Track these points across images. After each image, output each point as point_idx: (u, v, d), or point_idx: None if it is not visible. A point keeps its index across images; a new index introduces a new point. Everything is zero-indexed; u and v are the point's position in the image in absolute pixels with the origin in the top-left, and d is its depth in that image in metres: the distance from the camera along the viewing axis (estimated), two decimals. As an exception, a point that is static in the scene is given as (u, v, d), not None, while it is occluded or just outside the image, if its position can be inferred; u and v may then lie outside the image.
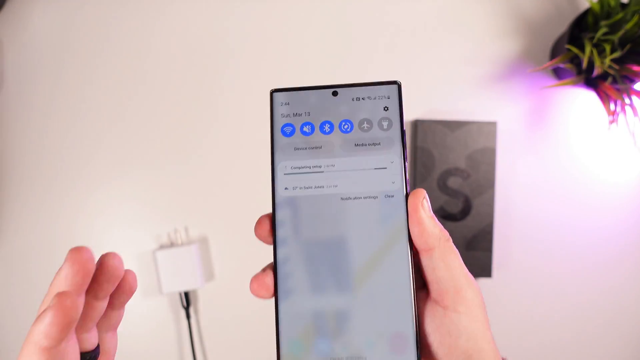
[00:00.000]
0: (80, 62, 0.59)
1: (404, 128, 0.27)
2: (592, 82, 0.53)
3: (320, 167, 0.27)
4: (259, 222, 0.27)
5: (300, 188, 0.27)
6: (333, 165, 0.27)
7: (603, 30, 0.48)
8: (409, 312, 0.25)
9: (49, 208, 0.58)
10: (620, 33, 0.48)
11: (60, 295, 0.20)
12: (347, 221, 0.26)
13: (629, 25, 0.48)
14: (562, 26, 0.58)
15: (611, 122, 0.51)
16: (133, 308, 0.59)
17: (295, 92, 0.28)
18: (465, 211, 0.56)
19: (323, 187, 0.27)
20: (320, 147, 0.27)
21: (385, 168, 0.27)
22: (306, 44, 0.58)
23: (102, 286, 0.24)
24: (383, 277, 0.26)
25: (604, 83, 0.51)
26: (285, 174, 0.27)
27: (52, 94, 0.58)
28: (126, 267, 0.58)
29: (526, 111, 0.58)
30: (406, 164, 0.27)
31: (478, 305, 0.25)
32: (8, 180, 0.58)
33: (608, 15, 0.50)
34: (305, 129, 0.27)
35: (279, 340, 0.26)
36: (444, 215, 0.56)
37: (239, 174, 0.59)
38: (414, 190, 0.26)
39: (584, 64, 0.48)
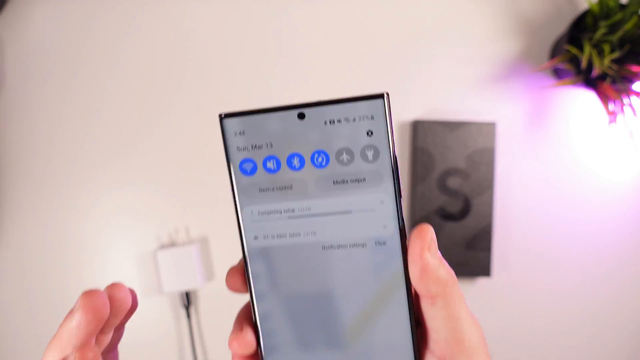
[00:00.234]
0: (81, 62, 0.59)
1: (396, 156, 0.22)
2: (591, 82, 0.53)
3: (293, 210, 0.22)
4: (230, 276, 0.24)
5: (273, 237, 0.23)
6: (309, 209, 0.22)
7: (602, 30, 0.48)
8: None
9: (49, 208, 0.59)
10: (620, 33, 0.48)
11: (82, 350, 0.20)
12: (332, 273, 0.23)
13: (628, 26, 0.48)
14: (561, 26, 0.58)
15: (610, 122, 0.51)
16: (133, 308, 0.59)
17: (250, 116, 0.22)
18: (465, 211, 0.56)
19: (300, 234, 0.22)
20: (291, 187, 0.22)
21: (374, 210, 0.22)
22: (305, 43, 0.58)
23: (109, 322, 0.23)
24: (378, 333, 0.23)
25: (603, 83, 0.51)
26: (252, 221, 0.23)
27: (52, 94, 0.59)
28: (127, 266, 0.59)
29: (525, 111, 0.58)
30: (401, 201, 0.22)
31: (480, 353, 0.23)
32: (8, 180, 0.59)
33: (607, 16, 0.50)
34: (269, 165, 0.22)
35: None
36: (443, 215, 0.56)
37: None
38: (418, 228, 0.22)
39: (583, 64, 0.48)
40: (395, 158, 0.22)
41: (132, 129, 0.59)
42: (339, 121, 0.22)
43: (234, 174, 0.23)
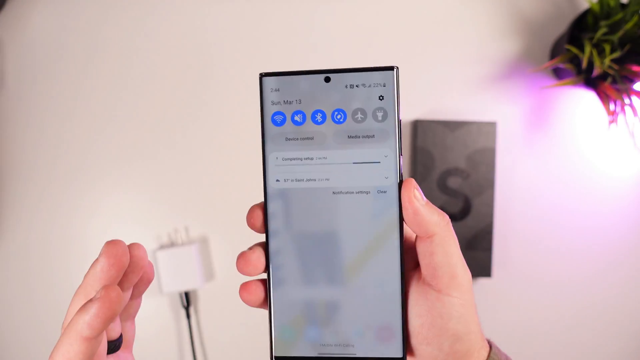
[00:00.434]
0: (80, 62, 0.59)
1: (400, 119, 0.26)
2: (591, 82, 0.53)
3: (312, 159, 0.26)
4: (251, 212, 0.27)
5: (292, 180, 0.26)
6: (325, 158, 0.26)
7: (603, 30, 0.48)
8: (397, 305, 0.26)
9: (49, 208, 0.58)
10: (620, 33, 0.48)
11: (106, 288, 0.21)
12: (338, 215, 0.26)
13: (628, 26, 0.48)
14: (562, 26, 0.58)
15: (611, 122, 0.51)
16: (133, 308, 0.59)
17: (285, 77, 0.26)
18: (465, 211, 0.56)
19: (315, 180, 0.26)
20: (312, 138, 0.26)
21: (379, 162, 0.26)
22: (304, 43, 0.58)
23: (128, 277, 0.25)
24: (373, 271, 0.26)
25: (604, 83, 0.51)
26: (276, 165, 0.27)
27: (52, 94, 0.59)
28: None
29: (526, 111, 0.58)
30: (401, 158, 0.26)
31: (469, 291, 0.26)
32: (8, 180, 0.59)
33: (608, 16, 0.50)
34: (297, 118, 0.26)
35: (272, 327, 0.27)
36: (443, 215, 0.56)
37: (239, 174, 0.59)
38: (405, 181, 0.26)
39: (584, 64, 0.48)
40: (400, 120, 0.26)
41: (133, 130, 0.59)
42: (357, 86, 0.26)
43: (266, 124, 0.26)
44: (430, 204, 0.26)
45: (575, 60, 0.52)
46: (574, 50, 0.49)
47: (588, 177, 0.58)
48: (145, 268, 0.26)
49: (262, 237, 0.58)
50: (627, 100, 0.51)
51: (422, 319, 0.26)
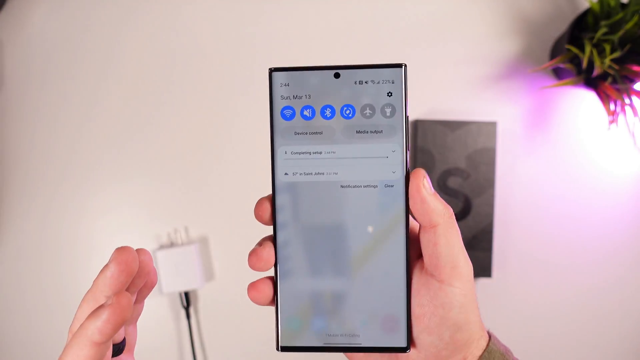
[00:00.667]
0: (81, 62, 0.59)
1: (408, 115, 0.27)
2: (592, 82, 0.53)
3: (320, 153, 0.27)
4: (259, 205, 0.27)
5: (300, 174, 0.27)
6: (333, 152, 0.27)
7: (603, 30, 0.48)
8: (402, 296, 0.27)
9: (49, 208, 0.58)
10: (620, 33, 0.48)
11: (118, 295, 0.21)
12: (346, 209, 0.27)
13: (628, 25, 0.47)
14: (562, 26, 0.58)
15: (611, 122, 0.51)
16: (133, 308, 0.59)
17: (295, 72, 0.27)
18: (465, 211, 0.56)
19: (323, 173, 0.27)
20: (321, 133, 0.27)
21: (387, 157, 0.26)
22: (304, 43, 0.58)
23: (135, 282, 0.25)
24: (379, 263, 0.27)
25: (604, 83, 0.51)
26: (285, 159, 0.27)
27: (52, 94, 0.59)
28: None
29: (526, 111, 0.58)
30: (408, 153, 0.27)
31: (470, 281, 0.26)
32: (8, 180, 0.58)
33: (608, 15, 0.50)
34: (306, 112, 0.27)
35: (278, 317, 0.27)
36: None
37: (239, 174, 0.59)
38: (414, 171, 0.26)
39: (584, 64, 0.48)
40: (407, 117, 0.27)
41: (131, 130, 0.59)
42: (366, 82, 0.26)
43: (275, 118, 0.27)
44: (437, 195, 0.26)
45: (575, 60, 0.52)
46: (574, 50, 0.49)
47: (588, 177, 0.58)
48: (150, 273, 0.26)
49: (261, 234, 0.58)
50: (627, 100, 0.51)
51: (423, 308, 0.26)
